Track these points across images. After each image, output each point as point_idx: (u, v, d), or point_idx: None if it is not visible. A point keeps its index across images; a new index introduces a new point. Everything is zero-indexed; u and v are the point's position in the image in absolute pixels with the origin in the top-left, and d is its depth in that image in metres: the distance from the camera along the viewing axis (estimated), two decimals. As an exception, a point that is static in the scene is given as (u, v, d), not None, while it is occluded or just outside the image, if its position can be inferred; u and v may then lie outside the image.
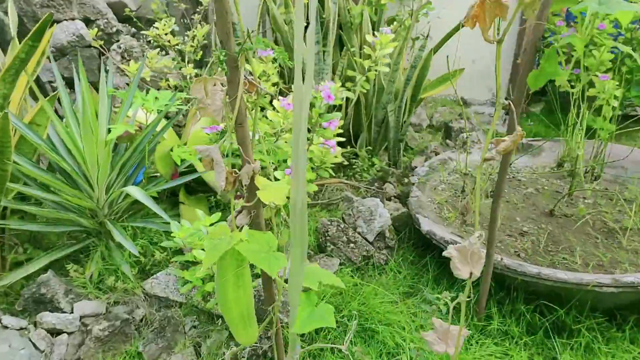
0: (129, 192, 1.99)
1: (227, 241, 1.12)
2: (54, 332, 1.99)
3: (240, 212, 1.20)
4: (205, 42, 3.15)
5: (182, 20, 3.34)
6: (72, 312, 2.05)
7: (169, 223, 2.15)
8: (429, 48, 2.91)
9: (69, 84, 2.88)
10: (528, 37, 3.73)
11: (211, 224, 1.91)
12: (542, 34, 3.90)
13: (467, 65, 3.56)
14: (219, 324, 2.09)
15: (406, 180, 2.98)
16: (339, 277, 2.27)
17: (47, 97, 2.05)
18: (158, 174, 2.43)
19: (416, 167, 3.15)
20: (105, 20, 3.21)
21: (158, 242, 2.23)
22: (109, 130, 1.98)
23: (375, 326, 2.02)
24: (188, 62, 3.01)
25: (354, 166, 2.99)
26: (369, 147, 3.10)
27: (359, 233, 2.42)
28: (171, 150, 2.20)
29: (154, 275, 2.16)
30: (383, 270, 2.39)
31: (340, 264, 2.34)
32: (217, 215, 1.94)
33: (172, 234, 2.16)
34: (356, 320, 2.01)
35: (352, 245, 2.37)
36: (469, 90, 4.06)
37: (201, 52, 3.05)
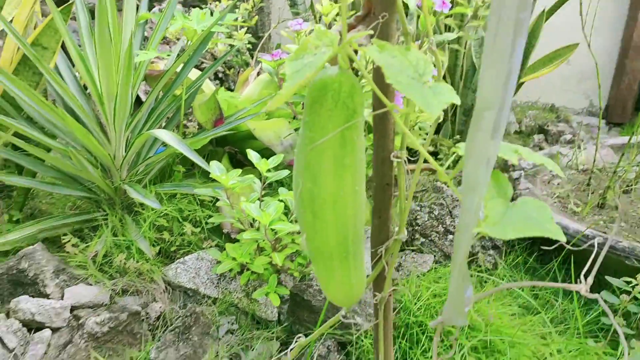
0: (158, 135, 1.42)
1: (329, 50, 0.53)
2: (33, 326, 1.38)
3: (361, 18, 0.61)
4: (262, 4, 2.66)
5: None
6: (61, 299, 1.44)
7: (206, 184, 1.56)
8: (538, 10, 2.33)
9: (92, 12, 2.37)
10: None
11: (268, 170, 1.31)
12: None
13: (561, 67, 2.97)
14: (269, 328, 1.45)
15: (507, 176, 2.33)
16: (435, 279, 1.62)
17: (60, 8, 1.53)
18: (195, 130, 1.87)
19: (513, 164, 2.51)
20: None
21: (190, 215, 1.63)
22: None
23: (499, 344, 1.35)
24: (240, 28, 2.51)
25: (439, 155, 2.37)
26: (456, 137, 2.48)
27: (459, 223, 1.76)
28: (216, 93, 1.64)
29: (181, 259, 1.56)
30: (492, 275, 1.73)
31: (435, 262, 1.69)
32: (279, 157, 1.34)
33: (209, 201, 1.57)
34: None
35: (451, 237, 1.72)
36: (562, 96, 3.44)
37: (256, 17, 2.55)
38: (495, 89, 0.49)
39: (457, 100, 0.53)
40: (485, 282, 1.68)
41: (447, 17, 1.53)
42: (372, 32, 0.58)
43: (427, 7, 1.39)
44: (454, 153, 2.37)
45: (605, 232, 1.71)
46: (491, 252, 1.80)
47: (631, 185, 1.93)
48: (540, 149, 2.62)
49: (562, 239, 0.53)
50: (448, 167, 0.60)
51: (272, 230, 1.28)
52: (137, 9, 1.62)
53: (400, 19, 0.64)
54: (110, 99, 1.47)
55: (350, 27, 0.63)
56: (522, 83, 2.54)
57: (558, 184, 2.16)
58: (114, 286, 1.49)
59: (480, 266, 1.75)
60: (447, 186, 2.03)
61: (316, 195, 0.60)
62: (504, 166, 2.49)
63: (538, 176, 2.19)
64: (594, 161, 2.04)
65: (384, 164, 0.70)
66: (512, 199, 1.71)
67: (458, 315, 0.53)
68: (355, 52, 0.54)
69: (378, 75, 0.64)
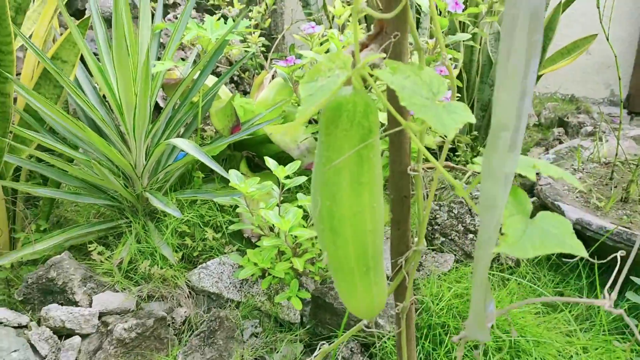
0: (177, 144, 1.45)
1: (343, 73, 0.54)
2: (63, 333, 1.42)
3: (373, 36, 0.62)
4: (275, 6, 2.68)
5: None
6: (89, 307, 1.48)
7: (225, 189, 1.58)
8: (554, 1, 2.30)
9: (108, 21, 2.41)
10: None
11: (287, 176, 1.32)
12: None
13: (580, 56, 2.92)
14: (292, 331, 1.47)
15: (525, 169, 2.31)
16: (456, 278, 1.62)
17: (78, 22, 1.56)
18: (213, 133, 1.89)
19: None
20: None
21: (211, 221, 1.65)
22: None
23: (524, 343, 1.35)
24: (255, 28, 2.52)
25: (457, 152, 2.36)
26: (474, 133, 2.47)
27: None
28: (232, 100, 1.65)
29: (203, 265, 1.58)
30: (513, 273, 1.72)
31: (456, 261, 1.69)
32: (296, 163, 1.35)
33: (229, 206, 1.59)
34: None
35: (471, 236, 1.72)
36: (582, 86, 3.40)
37: (269, 19, 2.56)
38: (510, 110, 0.49)
39: (472, 119, 0.54)
40: (508, 280, 1.67)
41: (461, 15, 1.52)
42: (384, 55, 0.59)
43: (438, 23, 1.38)
44: (477, 154, 2.36)
45: (629, 228, 1.69)
46: (512, 249, 1.79)
47: (654, 178, 1.90)
48: (560, 142, 2.60)
49: (583, 254, 0.54)
50: (466, 180, 0.61)
51: (292, 235, 1.30)
52: (152, 17, 1.64)
53: (412, 36, 0.64)
54: (129, 109, 1.50)
55: (363, 47, 0.63)
56: (541, 75, 2.52)
57: (580, 177, 2.13)
58: (140, 292, 1.52)
59: (502, 264, 1.74)
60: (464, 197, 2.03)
61: (335, 213, 0.61)
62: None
63: (558, 170, 2.17)
64: (616, 154, 2.01)
65: (401, 178, 0.71)
66: (533, 195, 1.71)
67: (480, 331, 0.54)
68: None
69: (392, 93, 0.65)
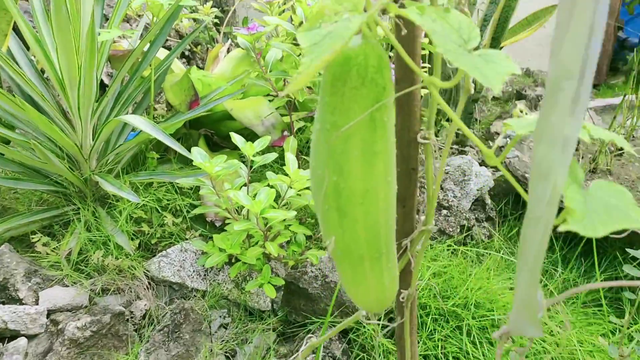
0: (129, 121, 1.30)
1: (355, 18, 0.44)
2: (6, 335, 1.26)
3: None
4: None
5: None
6: (36, 304, 1.33)
7: (184, 170, 1.45)
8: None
9: None
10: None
11: (255, 153, 1.21)
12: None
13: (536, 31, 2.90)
14: (264, 320, 1.37)
15: (492, 144, 2.28)
16: (432, 256, 1.56)
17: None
18: (165, 112, 1.74)
19: (497, 132, 2.46)
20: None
21: (170, 205, 1.52)
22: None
23: (505, 322, 1.30)
24: (206, 1, 2.36)
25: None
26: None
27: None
28: (188, 72, 1.51)
29: (163, 252, 1.45)
30: (487, 248, 1.68)
31: (432, 238, 1.63)
32: (265, 139, 1.24)
33: (189, 188, 1.46)
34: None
35: (445, 212, 1.66)
36: (536, 60, 3.40)
37: (221, -12, 2.39)
38: (575, 52, 0.40)
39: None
40: (483, 256, 1.63)
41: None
42: (406, -8, 0.48)
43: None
44: (441, 128, 2.30)
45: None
46: (485, 224, 1.75)
47: (621, 148, 1.89)
48: (525, 114, 2.58)
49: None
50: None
51: (263, 217, 1.19)
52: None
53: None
54: (72, 83, 1.34)
55: (372, -12, 0.53)
56: (502, 47, 2.48)
57: (545, 149, 2.12)
58: (93, 286, 1.38)
59: (474, 239, 1.69)
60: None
61: (343, 189, 0.51)
62: (487, 134, 2.44)
63: (524, 143, 2.14)
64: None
65: (409, 147, 0.61)
66: (496, 169, 1.63)
67: (530, 325, 0.46)
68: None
69: (403, 43, 0.55)
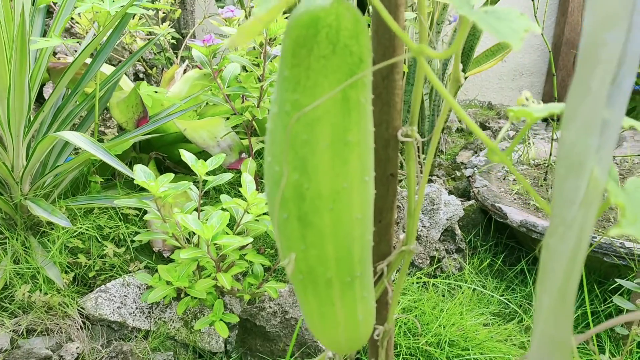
0: (66, 137, 1.16)
1: None
2: None
3: None
4: (185, -4, 2.42)
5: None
6: (-55, 348, 1.14)
7: (130, 195, 1.30)
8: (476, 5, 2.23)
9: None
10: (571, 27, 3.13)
11: (207, 173, 1.08)
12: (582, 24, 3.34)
13: (497, 65, 2.92)
14: (215, 363, 1.21)
15: (458, 174, 2.21)
16: (404, 289, 1.44)
17: None
18: (116, 132, 1.60)
19: (462, 162, 2.40)
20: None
21: (112, 233, 1.36)
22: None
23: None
24: (163, 21, 2.25)
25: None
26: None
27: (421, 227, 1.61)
28: (137, 87, 1.38)
29: (102, 287, 1.28)
30: (457, 281, 1.57)
31: (400, 271, 1.51)
32: (219, 157, 1.11)
33: (134, 215, 1.31)
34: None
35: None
36: (498, 93, 3.41)
37: (179, 10, 2.29)
38: (616, 7, 0.30)
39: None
40: (454, 289, 1.52)
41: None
42: None
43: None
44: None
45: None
46: (455, 255, 1.65)
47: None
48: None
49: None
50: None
51: (216, 245, 1.05)
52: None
53: None
54: (1, 94, 1.19)
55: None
56: (466, 78, 2.45)
57: (514, 180, 2.06)
58: (17, 326, 1.19)
59: (444, 271, 1.59)
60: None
61: (306, 191, 0.39)
62: (453, 164, 2.37)
63: (492, 173, 2.08)
64: (550, 155, 1.95)
65: (387, 147, 0.50)
66: (469, 198, 1.54)
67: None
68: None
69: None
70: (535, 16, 1.95)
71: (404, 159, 0.53)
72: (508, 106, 3.51)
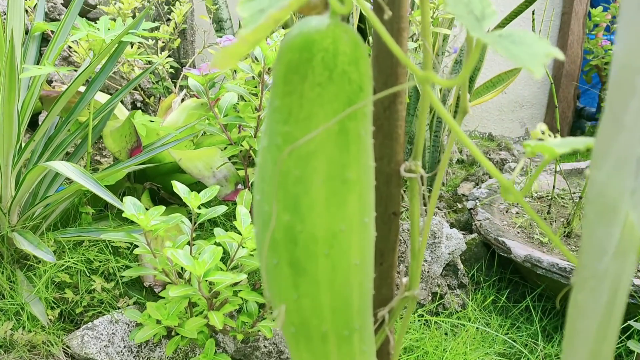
0: (55, 167, 1.12)
1: None
2: None
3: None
4: (185, 26, 2.41)
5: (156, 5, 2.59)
6: None
7: (121, 227, 1.26)
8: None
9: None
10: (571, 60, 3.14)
11: (200, 205, 1.03)
12: (581, 57, 3.34)
13: (497, 96, 2.91)
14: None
15: (460, 206, 2.17)
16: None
17: None
18: (112, 162, 1.56)
19: (464, 194, 2.36)
20: (51, 4, 2.44)
21: (101, 267, 1.31)
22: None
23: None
24: (162, 50, 2.24)
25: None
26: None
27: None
28: (132, 116, 1.35)
29: (89, 324, 1.23)
30: (460, 319, 1.52)
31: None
32: (213, 189, 1.07)
33: (125, 247, 1.27)
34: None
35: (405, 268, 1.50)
36: (498, 125, 3.40)
37: (178, 39, 2.28)
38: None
39: (559, 54, 0.31)
40: (457, 327, 1.46)
41: None
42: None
43: None
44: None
45: (579, 263, 1.56)
46: (458, 291, 1.59)
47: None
48: (490, 177, 2.50)
49: None
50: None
51: (207, 282, 1.00)
52: (28, 13, 1.33)
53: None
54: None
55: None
56: (467, 108, 2.43)
57: (516, 213, 2.01)
58: (-3, 366, 1.13)
59: (447, 308, 1.53)
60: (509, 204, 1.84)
61: (299, 234, 0.35)
62: (454, 196, 2.33)
63: (494, 205, 2.03)
64: (553, 187, 1.91)
65: (389, 183, 0.46)
66: (471, 231, 1.48)
67: None
68: None
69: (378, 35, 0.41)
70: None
71: (406, 195, 0.49)
72: (509, 137, 3.49)
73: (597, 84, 3.34)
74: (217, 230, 1.05)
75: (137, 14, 2.16)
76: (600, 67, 3.11)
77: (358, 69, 0.34)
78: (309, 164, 0.34)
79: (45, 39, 1.89)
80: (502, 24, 2.20)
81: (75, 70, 1.52)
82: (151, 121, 1.37)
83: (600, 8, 3.00)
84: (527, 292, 1.62)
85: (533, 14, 1.83)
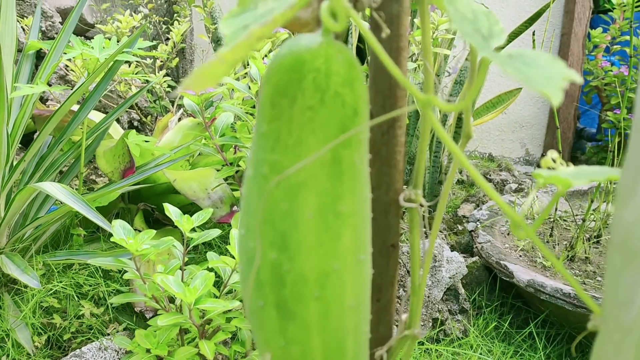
0: (44, 189, 1.08)
1: None
2: None
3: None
4: (183, 45, 2.39)
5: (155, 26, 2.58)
6: None
7: (113, 250, 1.22)
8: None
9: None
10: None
11: (193, 229, 1.00)
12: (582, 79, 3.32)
13: (497, 116, 2.89)
14: None
15: (460, 228, 2.13)
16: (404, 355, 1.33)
17: None
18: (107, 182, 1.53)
19: (464, 216, 2.32)
20: (49, 23, 2.43)
21: (91, 291, 1.27)
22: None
23: None
24: (160, 69, 2.22)
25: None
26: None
27: (422, 285, 1.51)
28: (125, 136, 1.32)
29: (77, 351, 1.18)
30: (461, 346, 1.47)
31: (400, 334, 1.41)
32: (206, 212, 1.03)
33: (117, 271, 1.23)
34: None
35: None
36: (499, 145, 3.37)
37: (176, 58, 2.27)
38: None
39: (577, 78, 0.27)
40: (458, 354, 1.42)
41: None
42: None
43: None
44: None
45: (583, 288, 1.51)
46: (459, 317, 1.55)
47: (599, 235, 1.76)
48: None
49: None
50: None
51: (199, 309, 0.96)
52: (25, 32, 1.30)
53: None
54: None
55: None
56: (468, 129, 2.41)
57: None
58: (-21, 396, 1.09)
59: (448, 335, 1.48)
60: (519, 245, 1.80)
61: (287, 274, 0.31)
62: (454, 217, 2.29)
63: (495, 227, 2.00)
64: (556, 210, 1.88)
65: (387, 214, 0.43)
66: (472, 254, 1.43)
67: None
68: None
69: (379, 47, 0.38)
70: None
71: (406, 225, 0.45)
72: (509, 158, 3.47)
73: (597, 105, 3.32)
74: (210, 255, 1.02)
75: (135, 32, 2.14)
76: (600, 88, 3.09)
77: (353, 91, 0.31)
78: (298, 196, 0.31)
79: (41, 57, 1.87)
80: (501, 46, 2.19)
81: (70, 88, 1.49)
82: (146, 141, 1.34)
83: (599, 29, 2.99)
84: (531, 317, 1.58)
85: (533, 34, 1.82)
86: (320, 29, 0.32)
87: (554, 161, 0.44)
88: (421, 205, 0.43)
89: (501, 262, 1.63)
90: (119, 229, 0.92)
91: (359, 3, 0.33)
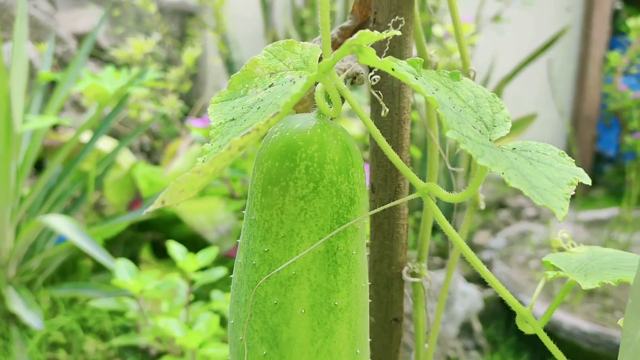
0: (50, 222, 1.08)
1: (302, 78, 0.23)
2: None
3: (353, 29, 0.33)
4: (196, 71, 2.40)
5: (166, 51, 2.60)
6: None
7: (113, 285, 1.20)
8: (494, 80, 2.20)
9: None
10: (589, 102, 3.08)
11: (198, 269, 0.98)
12: (599, 101, 3.28)
13: (513, 140, 2.85)
14: None
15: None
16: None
17: None
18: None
19: (480, 244, 2.28)
20: (66, 49, 2.46)
21: (96, 326, 1.25)
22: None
23: None
24: (172, 93, 2.23)
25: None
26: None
27: (435, 320, 1.47)
28: (133, 168, 1.32)
29: (81, 387, 1.16)
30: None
31: (412, 372, 1.37)
32: (211, 251, 1.01)
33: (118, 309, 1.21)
34: None
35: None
36: (514, 168, 3.32)
37: (189, 83, 2.28)
38: None
39: (587, 179, 0.25)
40: (472, 394, 1.37)
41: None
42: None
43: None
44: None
45: (602, 324, 1.47)
46: (473, 353, 1.50)
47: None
48: (506, 224, 2.42)
49: None
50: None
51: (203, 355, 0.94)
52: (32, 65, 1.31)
53: (415, 35, 0.36)
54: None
55: (335, 45, 0.34)
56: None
57: (536, 267, 1.93)
58: None
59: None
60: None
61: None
62: (469, 245, 2.25)
63: (512, 257, 1.95)
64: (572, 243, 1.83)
65: (390, 288, 0.40)
66: (487, 285, 1.38)
67: None
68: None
69: (384, 129, 0.36)
70: (553, 93, 1.90)
71: (410, 298, 0.43)
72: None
73: (614, 127, 3.27)
74: (216, 295, 0.99)
75: (148, 58, 2.16)
76: (618, 111, 3.04)
77: (349, 179, 0.29)
78: (290, 290, 0.29)
79: (55, 83, 1.89)
80: (517, 69, 2.16)
81: (80, 115, 1.50)
82: (155, 166, 1.33)
83: (617, 52, 2.95)
84: (548, 354, 1.53)
85: (548, 64, 1.79)
86: (316, 107, 0.31)
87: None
88: (427, 279, 0.40)
89: (517, 296, 1.58)
90: (122, 270, 0.90)
91: (358, 79, 0.32)
